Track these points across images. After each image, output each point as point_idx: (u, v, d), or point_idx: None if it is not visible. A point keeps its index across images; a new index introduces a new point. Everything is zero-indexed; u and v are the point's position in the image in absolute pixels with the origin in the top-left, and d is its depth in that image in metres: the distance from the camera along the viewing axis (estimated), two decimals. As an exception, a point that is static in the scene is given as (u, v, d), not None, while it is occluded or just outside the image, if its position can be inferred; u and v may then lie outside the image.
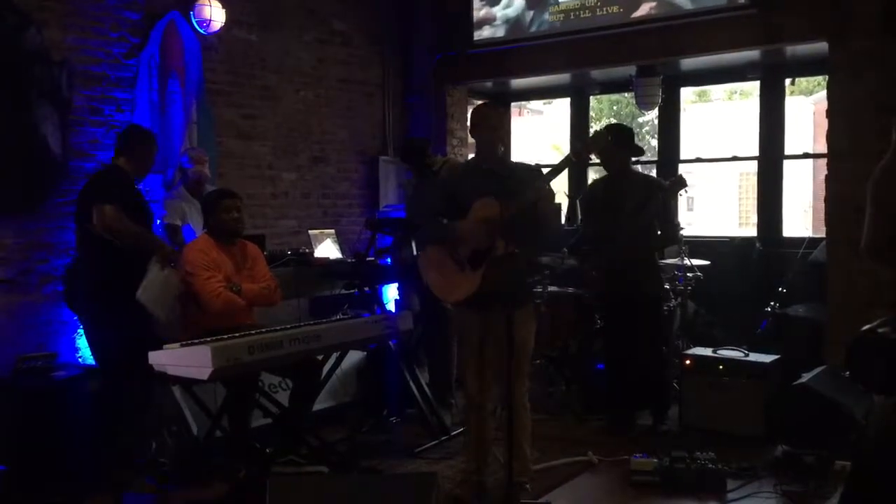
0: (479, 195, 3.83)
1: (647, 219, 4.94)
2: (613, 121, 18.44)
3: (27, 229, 4.90)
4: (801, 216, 15.74)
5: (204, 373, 3.48)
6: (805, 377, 4.73)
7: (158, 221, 5.16)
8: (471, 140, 7.82)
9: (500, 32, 7.16)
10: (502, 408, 3.96)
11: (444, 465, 4.58)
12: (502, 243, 3.77)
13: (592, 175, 8.00)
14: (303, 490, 2.93)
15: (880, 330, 1.98)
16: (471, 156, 8.06)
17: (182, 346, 3.67)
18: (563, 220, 6.31)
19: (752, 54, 6.50)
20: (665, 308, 5.84)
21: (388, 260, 5.84)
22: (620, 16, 6.47)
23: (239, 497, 3.88)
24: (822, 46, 5.74)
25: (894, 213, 1.64)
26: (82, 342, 4.91)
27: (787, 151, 7.02)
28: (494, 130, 3.99)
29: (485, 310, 3.84)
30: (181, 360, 3.61)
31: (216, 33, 5.93)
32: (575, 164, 4.02)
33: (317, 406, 4.75)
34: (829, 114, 5.63)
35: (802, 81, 12.26)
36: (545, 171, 3.89)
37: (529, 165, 4.15)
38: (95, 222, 4.12)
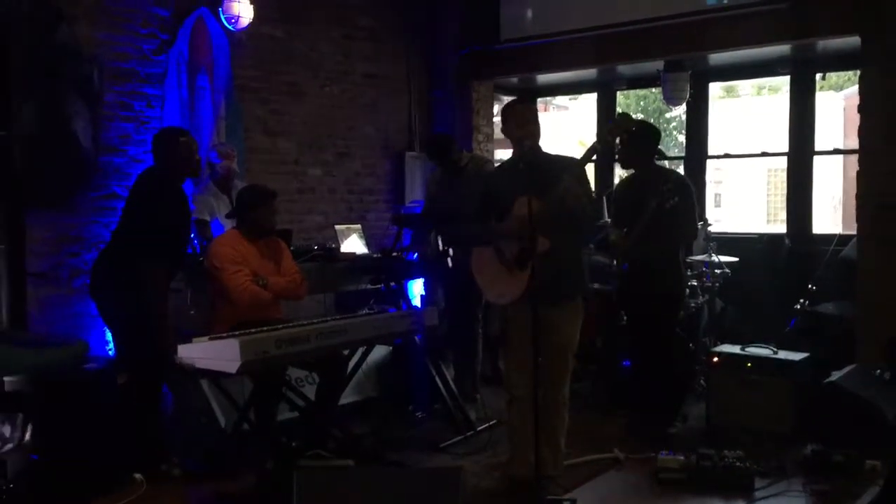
0: (517, 194, 3.83)
1: (662, 216, 4.88)
2: (641, 116, 18.32)
3: (58, 223, 4.98)
4: (830, 213, 15.55)
5: (232, 366, 3.51)
6: (835, 375, 4.68)
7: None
8: (497, 136, 7.85)
9: (526, 28, 7.13)
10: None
11: (470, 460, 4.58)
12: (543, 241, 3.76)
13: (620, 172, 7.95)
14: (329, 483, 2.94)
15: None
16: (497, 151, 8.06)
17: (211, 339, 3.71)
18: (601, 212, 6.21)
19: (781, 49, 6.43)
20: (693, 305, 5.80)
21: (414, 255, 5.86)
22: (649, 9, 6.43)
23: (266, 489, 3.91)
24: (853, 41, 5.66)
25: None
26: (110, 335, 4.97)
27: (819, 147, 6.93)
28: (528, 126, 3.98)
29: (534, 307, 3.83)
30: (210, 353, 3.65)
31: (244, 29, 5.97)
32: (601, 150, 4.00)
33: (343, 400, 4.77)
34: (861, 109, 5.55)
35: (832, 76, 12.12)
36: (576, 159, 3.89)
37: (566, 157, 4.11)
38: (141, 278, 4.14)
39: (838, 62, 6.73)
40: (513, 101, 4.34)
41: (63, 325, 4.92)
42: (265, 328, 3.82)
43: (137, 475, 4.12)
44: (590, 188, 4.08)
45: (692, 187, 5.01)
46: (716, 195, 19.62)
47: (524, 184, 3.80)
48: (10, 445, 3.82)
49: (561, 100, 19.00)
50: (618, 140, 4.85)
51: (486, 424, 5.05)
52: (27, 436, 3.85)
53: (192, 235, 5.08)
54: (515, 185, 3.87)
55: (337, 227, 6.02)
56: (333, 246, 5.70)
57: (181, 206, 4.36)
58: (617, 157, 5.21)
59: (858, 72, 5.74)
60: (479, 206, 4.13)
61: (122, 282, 4.20)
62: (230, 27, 5.84)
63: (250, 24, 5.96)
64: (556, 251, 3.80)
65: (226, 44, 5.78)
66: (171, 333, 4.14)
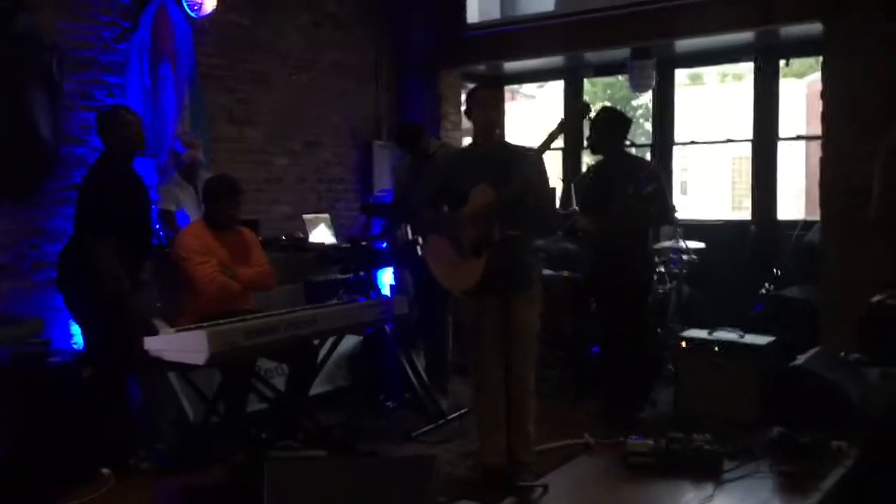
0: (475, 181, 3.80)
1: (637, 203, 4.91)
2: (608, 104, 18.40)
3: (19, 215, 4.88)
4: (794, 199, 15.77)
5: (200, 358, 3.47)
6: (800, 359, 4.74)
7: (152, 207, 5.13)
8: (465, 124, 7.83)
9: (492, 14, 7.12)
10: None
11: (441, 448, 4.58)
12: (500, 229, 3.76)
13: (586, 160, 7.98)
14: (300, 474, 2.92)
15: (889, 301, 1.98)
16: (465, 139, 8.04)
17: (178, 331, 3.67)
18: (556, 204, 6.29)
19: (745, 36, 6.49)
20: (661, 291, 5.85)
21: (384, 244, 5.83)
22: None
23: (236, 482, 3.88)
24: (816, 27, 5.73)
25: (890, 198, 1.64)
26: (76, 328, 4.89)
27: (781, 134, 7.01)
28: (488, 112, 3.97)
29: (489, 295, 3.83)
30: (177, 345, 3.61)
31: (208, 17, 5.87)
32: (564, 131, 3.98)
33: (313, 391, 4.74)
34: (824, 95, 5.62)
35: (795, 64, 12.25)
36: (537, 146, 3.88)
37: (523, 147, 4.12)
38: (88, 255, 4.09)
39: (801, 49, 6.79)
40: (477, 85, 4.31)
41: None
42: (233, 319, 3.78)
43: (105, 470, 4.06)
44: (547, 178, 4.06)
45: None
46: (682, 182, 19.80)
47: (482, 171, 3.80)
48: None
49: (528, 88, 19.03)
50: (589, 127, 4.87)
51: (458, 413, 5.05)
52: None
53: (158, 227, 5.02)
54: (474, 173, 3.85)
55: (305, 216, 5.98)
56: (302, 236, 5.66)
57: (127, 185, 4.26)
58: (587, 143, 5.22)
59: (821, 58, 5.81)
60: (435, 192, 4.08)
61: (87, 274, 4.12)
62: (193, 14, 5.74)
63: (214, 12, 5.87)
64: (512, 240, 3.78)
65: (189, 31, 5.69)
66: (138, 325, 4.07)
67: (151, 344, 3.69)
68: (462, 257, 3.89)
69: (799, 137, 8.20)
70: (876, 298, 2.10)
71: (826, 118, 5.58)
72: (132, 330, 4.02)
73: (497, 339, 3.87)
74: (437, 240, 4.04)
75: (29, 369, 4.31)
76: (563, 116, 4.43)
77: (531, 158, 3.86)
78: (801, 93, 17.48)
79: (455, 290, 4.11)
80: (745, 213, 7.16)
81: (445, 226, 3.97)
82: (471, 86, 8.08)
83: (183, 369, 4.02)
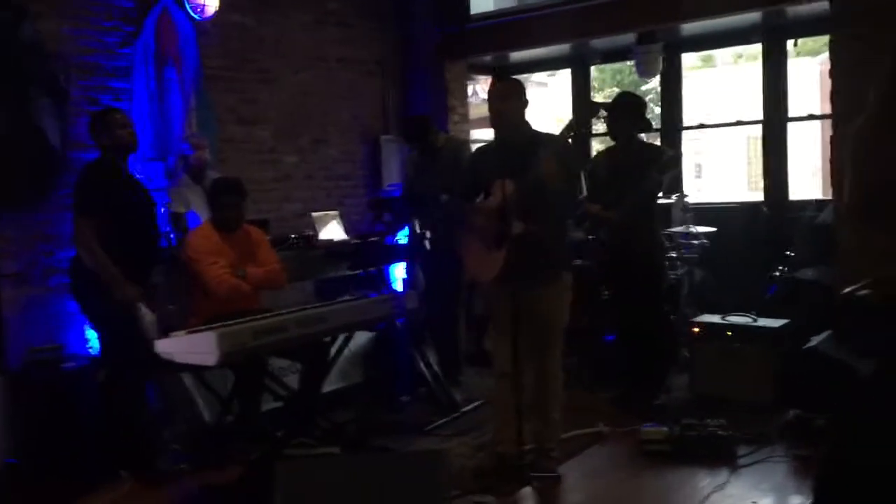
0: (498, 175, 3.84)
1: (646, 188, 4.89)
2: (616, 90, 18.27)
3: (30, 222, 4.92)
4: (810, 178, 15.61)
5: (211, 359, 3.48)
6: (814, 340, 4.70)
7: (163, 209, 5.17)
8: (472, 115, 7.81)
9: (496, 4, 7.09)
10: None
11: (456, 441, 4.60)
12: (518, 222, 3.77)
13: (596, 146, 7.93)
14: (311, 471, 2.94)
15: (860, 293, 1.96)
16: (473, 132, 8.02)
17: (188, 333, 3.68)
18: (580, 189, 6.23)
19: (753, 16, 6.41)
20: (673, 277, 5.82)
21: (394, 239, 5.84)
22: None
23: (250, 481, 3.91)
24: (823, 5, 5.65)
25: (870, 178, 1.62)
26: (91, 333, 4.93)
27: (794, 113, 6.93)
28: (505, 103, 3.97)
29: (511, 286, 3.83)
30: (188, 347, 3.62)
31: (211, 18, 5.89)
32: (576, 129, 3.99)
33: (326, 388, 4.75)
34: (833, 74, 5.55)
35: (808, 42, 12.11)
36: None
37: (548, 135, 4.09)
38: (73, 236, 4.14)
39: (809, 28, 6.70)
40: (494, 80, 4.35)
41: (41, 325, 4.87)
42: (243, 319, 3.80)
43: (123, 472, 4.10)
44: (570, 164, 4.02)
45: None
46: (696, 165, 19.65)
47: (505, 165, 3.82)
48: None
49: (539, 76, 18.92)
50: (603, 112, 4.86)
51: (471, 405, 5.06)
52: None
53: (168, 229, 5.05)
54: (496, 167, 3.90)
55: (314, 214, 5.99)
56: (311, 233, 5.67)
57: (122, 184, 4.30)
58: (607, 130, 5.21)
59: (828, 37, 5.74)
60: (465, 186, 4.20)
61: (100, 279, 4.15)
62: (196, 16, 5.76)
63: (217, 13, 5.88)
64: (531, 233, 3.81)
65: (192, 34, 5.71)
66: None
67: (163, 346, 3.71)
68: (487, 248, 3.97)
69: (810, 117, 8.08)
70: (847, 290, 2.07)
71: (834, 97, 5.51)
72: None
73: (516, 329, 3.87)
74: (468, 230, 4.13)
75: (43, 375, 4.36)
76: (571, 117, 4.42)
77: (552, 145, 3.85)
78: (814, 70, 17.27)
79: (479, 279, 4.20)
80: (760, 194, 7.08)
81: (468, 217, 4.07)
82: (478, 77, 8.10)
83: (195, 370, 4.05)
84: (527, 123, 4.04)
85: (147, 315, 4.03)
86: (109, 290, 4.09)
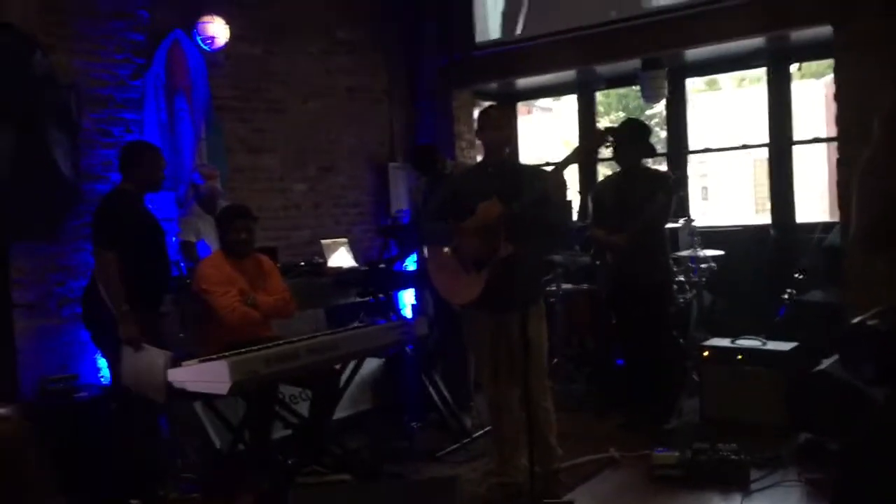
0: (483, 197, 3.83)
1: (650, 214, 4.92)
2: (623, 115, 18.36)
3: (44, 253, 4.97)
4: (817, 200, 15.61)
5: (223, 388, 3.52)
6: (825, 363, 4.69)
7: (174, 239, 5.22)
8: (479, 142, 7.87)
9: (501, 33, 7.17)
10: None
11: (467, 467, 4.59)
12: (506, 245, 3.77)
13: (603, 171, 7.98)
14: (325, 499, 2.96)
15: (870, 322, 1.97)
16: (480, 158, 8.07)
17: (200, 361, 3.71)
18: (573, 217, 6.31)
19: (756, 41, 6.47)
20: (681, 300, 5.83)
21: (402, 265, 5.87)
22: (628, 8, 6.47)
23: (263, 509, 3.91)
24: (826, 30, 5.71)
25: (877, 207, 1.65)
26: (103, 362, 4.96)
27: (801, 136, 6.99)
28: (499, 131, 3.99)
29: (491, 311, 3.84)
30: (200, 375, 3.66)
31: (221, 49, 5.97)
32: (582, 159, 4.03)
33: (337, 415, 4.77)
34: (837, 97, 5.60)
35: (813, 65, 12.18)
36: (552, 167, 3.91)
37: (535, 166, 4.16)
38: (96, 269, 4.23)
39: (812, 51, 6.77)
40: (488, 106, 4.36)
41: (54, 354, 4.91)
42: (254, 348, 3.82)
43: (134, 501, 4.10)
44: (566, 194, 4.07)
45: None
46: (702, 188, 19.69)
47: (493, 187, 3.83)
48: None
49: (544, 101, 19.05)
50: (610, 139, 4.90)
51: (482, 431, 5.05)
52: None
53: (179, 258, 5.10)
54: (482, 189, 3.88)
55: (323, 241, 6.03)
56: (321, 261, 5.70)
57: (139, 217, 4.36)
58: (613, 156, 5.25)
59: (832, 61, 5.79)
60: (442, 206, 4.09)
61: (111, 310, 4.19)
62: (206, 48, 5.84)
63: (227, 44, 5.97)
64: (519, 256, 3.79)
65: (202, 65, 5.79)
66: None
67: (175, 376, 3.74)
68: (464, 270, 3.92)
69: (815, 140, 8.14)
70: (856, 320, 2.08)
71: (839, 120, 5.56)
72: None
73: (502, 355, 3.88)
74: (441, 252, 4.06)
75: (57, 404, 4.39)
76: (578, 143, 4.46)
77: (546, 175, 3.89)
78: (819, 93, 17.34)
79: (454, 302, 4.14)
80: (768, 216, 7.11)
81: (448, 236, 3.98)
82: (484, 104, 8.15)
83: (207, 399, 4.07)
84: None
85: (157, 355, 4.02)
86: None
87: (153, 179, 4.41)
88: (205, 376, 3.61)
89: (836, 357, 4.79)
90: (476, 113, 8.07)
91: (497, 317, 3.82)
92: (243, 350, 3.76)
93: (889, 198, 1.59)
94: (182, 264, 5.02)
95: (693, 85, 7.64)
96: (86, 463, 4.16)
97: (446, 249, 3.99)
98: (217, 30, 5.85)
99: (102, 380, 5.01)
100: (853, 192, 1.64)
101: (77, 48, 5.21)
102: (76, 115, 5.10)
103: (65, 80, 5.06)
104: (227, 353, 3.69)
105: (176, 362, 3.81)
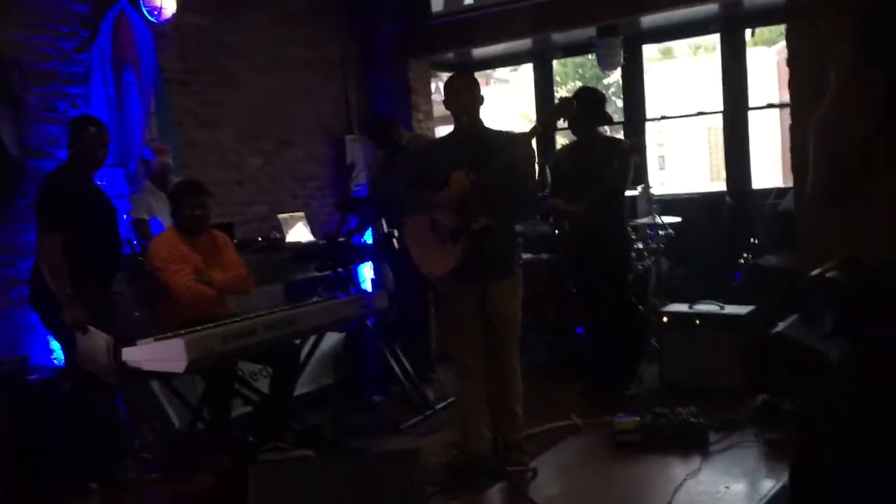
0: (455, 167, 3.79)
1: (610, 180, 4.92)
2: (580, 84, 18.37)
3: (-11, 233, 4.82)
4: (771, 166, 15.83)
5: (179, 366, 3.46)
6: (780, 326, 4.77)
7: (125, 216, 5.10)
8: (437, 113, 7.80)
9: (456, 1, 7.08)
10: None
11: (430, 439, 4.59)
12: (480, 215, 3.75)
13: (561, 141, 7.97)
14: (286, 475, 2.92)
15: (828, 274, 1.99)
16: (438, 129, 8.02)
17: (155, 340, 3.64)
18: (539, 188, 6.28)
19: (711, 7, 6.48)
20: (640, 267, 5.87)
21: (361, 239, 5.81)
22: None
23: (223, 487, 3.87)
24: (779, -6, 5.74)
25: (831, 161, 1.65)
26: (55, 344, 4.85)
27: (754, 103, 7.02)
28: (465, 99, 3.93)
29: (466, 281, 3.82)
30: (155, 354, 3.59)
31: (168, 21, 5.79)
32: (543, 133, 4.01)
33: (298, 390, 4.73)
34: (790, 63, 5.63)
35: (765, 32, 12.30)
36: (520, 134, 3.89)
37: (506, 132, 4.11)
38: (38, 250, 4.11)
39: (766, 17, 6.81)
40: (453, 75, 4.30)
41: (2, 337, 4.78)
42: (210, 325, 3.76)
43: (92, 484, 4.04)
44: (534, 162, 4.07)
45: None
46: (659, 157, 19.83)
47: (464, 158, 3.79)
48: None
49: (501, 72, 18.98)
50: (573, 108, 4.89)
51: (444, 403, 5.06)
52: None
53: (132, 236, 4.99)
54: (454, 160, 3.83)
55: (280, 216, 5.95)
56: (278, 236, 5.63)
57: (86, 195, 4.26)
58: (568, 126, 5.23)
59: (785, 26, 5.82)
60: (410, 179, 4.03)
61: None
62: (153, 19, 5.66)
63: (174, 15, 5.78)
64: (494, 227, 3.78)
65: (150, 37, 5.61)
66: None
67: (130, 355, 3.67)
68: (440, 242, 3.89)
69: (769, 106, 8.24)
70: (815, 272, 2.11)
71: (792, 86, 5.60)
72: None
73: (475, 326, 3.87)
74: (415, 223, 4.03)
75: (8, 387, 4.28)
76: (545, 114, 4.44)
77: (514, 142, 3.86)
78: (771, 60, 17.52)
79: (431, 274, 4.11)
80: (723, 184, 7.18)
81: (423, 207, 3.94)
82: (441, 75, 8.08)
83: (164, 378, 4.00)
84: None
85: (100, 338, 3.93)
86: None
87: (94, 156, 4.29)
88: (160, 355, 3.55)
89: (791, 319, 4.87)
90: (434, 83, 8.02)
91: (473, 287, 3.80)
92: (199, 327, 3.70)
93: (846, 148, 1.59)
94: (135, 242, 4.91)
95: (649, 53, 7.62)
96: (40, 446, 4.07)
97: (424, 221, 3.95)
98: (163, 0, 5.67)
99: (56, 361, 4.90)
100: (809, 147, 1.64)
101: (19, 21, 5.03)
102: (19, 90, 4.94)
103: (6, 54, 4.89)
104: (182, 331, 3.62)
105: (131, 341, 3.73)
